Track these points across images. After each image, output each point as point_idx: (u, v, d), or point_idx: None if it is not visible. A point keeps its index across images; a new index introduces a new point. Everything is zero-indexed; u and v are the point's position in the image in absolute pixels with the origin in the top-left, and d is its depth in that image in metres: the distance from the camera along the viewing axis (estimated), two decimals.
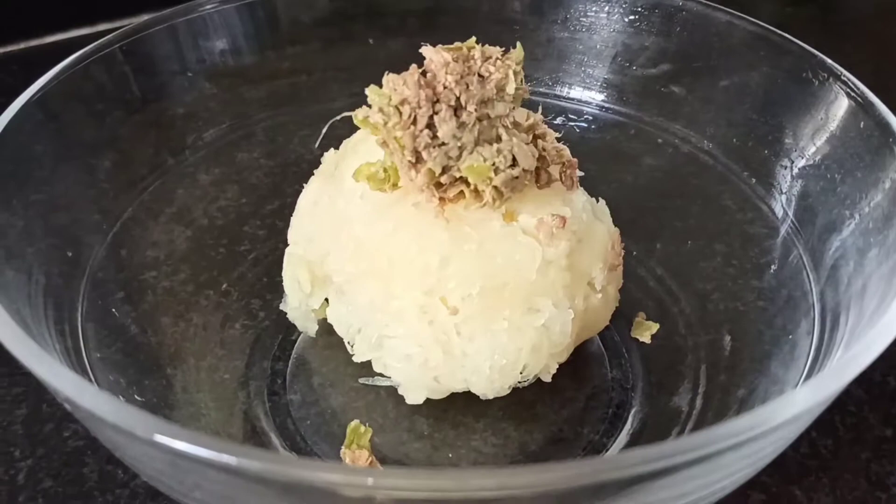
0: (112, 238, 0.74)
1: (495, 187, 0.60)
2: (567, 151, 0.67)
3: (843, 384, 0.44)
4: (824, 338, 0.58)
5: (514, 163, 0.60)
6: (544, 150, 0.66)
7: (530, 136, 0.61)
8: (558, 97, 0.85)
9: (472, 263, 0.63)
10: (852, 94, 0.64)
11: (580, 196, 0.69)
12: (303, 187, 0.77)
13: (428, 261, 0.63)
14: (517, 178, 0.60)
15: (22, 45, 1.21)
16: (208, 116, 0.85)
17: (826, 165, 0.67)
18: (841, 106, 0.65)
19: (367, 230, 0.65)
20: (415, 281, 0.63)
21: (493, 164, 0.59)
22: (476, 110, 0.59)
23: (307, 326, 0.75)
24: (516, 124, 0.61)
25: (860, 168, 0.62)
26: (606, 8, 0.81)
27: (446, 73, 0.60)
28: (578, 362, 0.72)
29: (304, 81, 0.89)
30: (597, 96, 0.84)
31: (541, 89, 0.85)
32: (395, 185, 0.63)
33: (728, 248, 0.76)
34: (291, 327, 0.76)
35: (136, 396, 0.65)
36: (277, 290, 0.78)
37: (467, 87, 0.60)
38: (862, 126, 0.63)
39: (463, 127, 0.59)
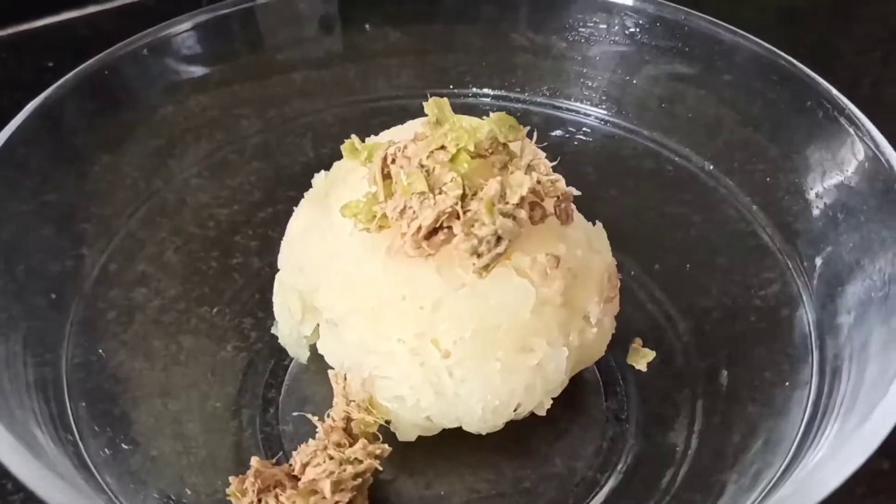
0: (102, 254, 0.74)
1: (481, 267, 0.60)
2: (562, 182, 0.65)
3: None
4: (823, 391, 0.57)
5: (500, 239, 0.59)
6: (538, 182, 0.64)
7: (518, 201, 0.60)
8: (557, 108, 0.83)
9: (464, 306, 0.61)
10: (862, 137, 0.62)
11: (575, 229, 0.67)
12: (296, 194, 0.76)
13: (419, 303, 0.61)
14: (501, 253, 0.59)
15: (10, 31, 1.18)
16: (201, 124, 0.83)
17: (829, 201, 0.65)
18: (848, 144, 0.63)
19: (356, 268, 0.64)
20: (406, 322, 0.62)
21: (476, 253, 0.59)
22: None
23: (299, 353, 0.74)
24: (502, 196, 0.59)
25: (863, 211, 0.61)
26: (607, 20, 0.78)
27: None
28: (573, 391, 0.70)
29: (296, 85, 0.87)
30: (596, 109, 0.82)
31: (539, 99, 0.83)
32: (381, 227, 0.62)
33: (726, 275, 0.74)
34: (283, 351, 0.75)
35: (121, 436, 0.64)
36: (269, 308, 0.77)
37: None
38: (867, 167, 0.61)
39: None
